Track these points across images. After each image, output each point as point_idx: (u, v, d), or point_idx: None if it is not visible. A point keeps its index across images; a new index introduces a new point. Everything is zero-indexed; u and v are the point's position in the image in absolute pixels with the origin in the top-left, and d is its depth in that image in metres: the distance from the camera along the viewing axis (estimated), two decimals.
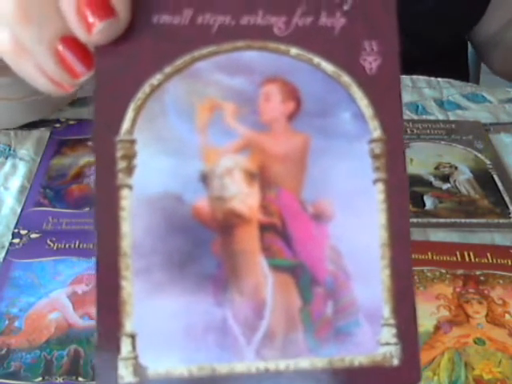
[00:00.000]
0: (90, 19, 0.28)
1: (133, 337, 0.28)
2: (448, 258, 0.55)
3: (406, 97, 0.77)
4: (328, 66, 0.30)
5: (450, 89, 0.79)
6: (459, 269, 0.54)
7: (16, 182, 0.63)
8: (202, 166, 0.30)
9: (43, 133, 0.70)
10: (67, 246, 0.55)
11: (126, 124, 0.29)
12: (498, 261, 0.55)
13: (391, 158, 0.30)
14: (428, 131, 0.71)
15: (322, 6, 0.31)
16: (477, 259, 0.55)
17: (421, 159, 0.67)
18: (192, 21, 0.30)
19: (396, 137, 0.30)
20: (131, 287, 0.29)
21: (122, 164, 0.29)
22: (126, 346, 0.28)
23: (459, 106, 0.76)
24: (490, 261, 0.55)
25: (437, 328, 0.49)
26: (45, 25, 0.29)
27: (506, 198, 0.62)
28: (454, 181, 0.65)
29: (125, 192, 0.29)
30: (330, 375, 0.29)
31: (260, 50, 0.30)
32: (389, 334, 0.30)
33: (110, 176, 0.29)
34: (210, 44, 0.30)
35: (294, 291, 0.30)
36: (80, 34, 0.28)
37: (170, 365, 0.28)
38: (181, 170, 0.29)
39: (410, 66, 0.77)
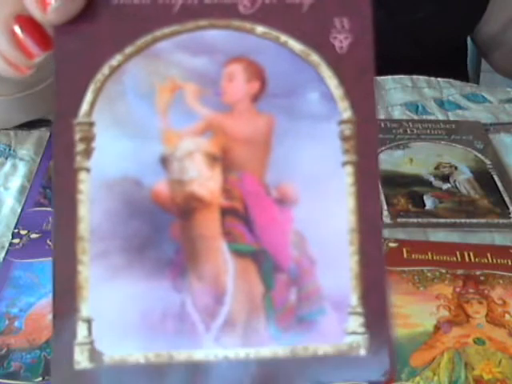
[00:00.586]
0: None
1: (89, 322, 0.28)
2: (448, 258, 0.55)
3: (406, 97, 0.76)
4: (296, 45, 0.30)
5: (450, 89, 0.78)
6: (459, 269, 0.53)
7: (16, 181, 0.63)
8: (161, 148, 0.29)
9: (43, 133, 0.70)
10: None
11: (84, 106, 0.29)
12: (498, 261, 0.55)
13: (362, 140, 0.29)
14: (428, 131, 0.70)
15: None
16: (477, 259, 0.55)
17: (421, 159, 0.67)
18: (154, 0, 0.29)
19: (368, 118, 0.29)
20: (88, 271, 0.28)
21: (80, 146, 0.28)
22: (81, 331, 0.28)
23: (459, 106, 0.75)
24: (490, 261, 0.55)
25: (437, 328, 0.48)
26: (0, 5, 0.29)
27: (506, 198, 0.61)
28: (454, 181, 0.64)
29: (82, 175, 0.28)
30: (293, 364, 0.28)
31: (224, 28, 0.29)
32: (356, 322, 0.28)
33: (68, 159, 0.28)
34: (172, 23, 0.29)
35: (256, 277, 0.29)
36: (35, 12, 0.28)
37: (126, 351, 0.28)
38: (140, 152, 0.29)
39: (410, 66, 0.77)
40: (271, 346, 0.28)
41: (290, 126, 0.29)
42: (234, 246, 0.29)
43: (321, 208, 0.29)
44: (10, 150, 0.67)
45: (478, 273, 0.53)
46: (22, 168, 0.64)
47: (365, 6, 0.30)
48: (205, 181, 0.29)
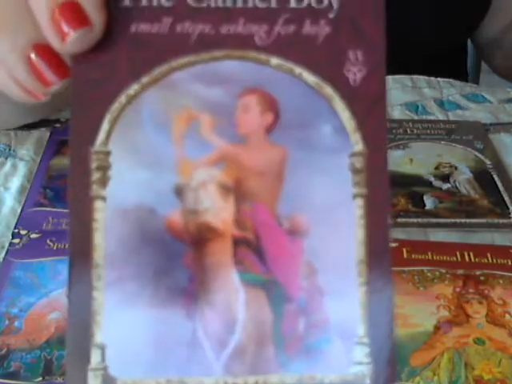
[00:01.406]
0: (65, 28, 0.28)
1: (103, 348, 0.28)
2: (448, 258, 0.55)
3: (406, 97, 0.76)
4: (310, 77, 0.30)
5: (450, 89, 0.78)
6: (459, 269, 0.54)
7: (16, 181, 0.63)
8: (176, 178, 0.29)
9: (43, 133, 0.70)
10: (67, 246, 0.55)
11: (101, 135, 0.29)
12: (498, 261, 0.55)
13: (373, 172, 0.30)
14: (428, 131, 0.71)
15: (306, 13, 0.30)
16: (477, 259, 0.55)
17: (421, 159, 0.67)
18: (171, 29, 0.29)
19: (379, 151, 0.30)
20: (103, 298, 0.29)
21: (96, 175, 0.29)
22: (95, 357, 0.28)
23: (459, 106, 0.76)
24: (490, 261, 0.55)
25: (437, 328, 0.49)
26: (18, 32, 0.29)
27: (506, 198, 0.62)
28: (454, 181, 0.64)
29: (98, 203, 0.29)
30: None
31: (239, 59, 0.30)
32: (362, 352, 0.29)
33: (84, 187, 0.29)
34: (188, 53, 0.29)
35: (266, 307, 0.29)
36: (54, 42, 0.28)
37: (138, 376, 0.28)
38: (155, 182, 0.29)
39: (411, 66, 0.77)
40: (279, 374, 0.29)
41: (303, 158, 0.30)
42: (245, 276, 0.29)
43: (331, 239, 0.30)
44: (10, 149, 0.67)
45: (477, 273, 0.54)
46: (22, 168, 0.64)
47: (379, 39, 0.30)
48: (218, 211, 0.29)
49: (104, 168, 0.29)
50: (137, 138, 0.29)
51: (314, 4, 0.30)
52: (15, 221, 0.58)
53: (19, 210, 0.59)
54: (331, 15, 0.30)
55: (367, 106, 0.30)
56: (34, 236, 0.56)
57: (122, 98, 0.29)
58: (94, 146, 0.29)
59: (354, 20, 0.30)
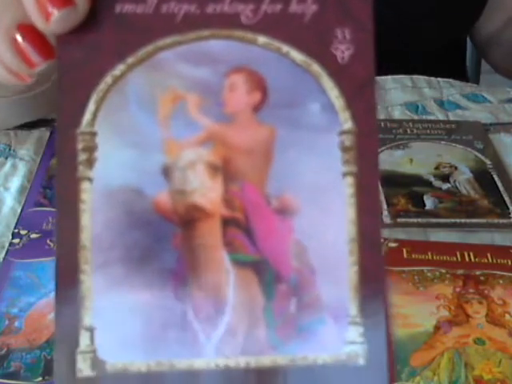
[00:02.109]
0: (49, 8, 0.27)
1: (91, 330, 0.28)
2: (448, 258, 0.55)
3: (406, 97, 0.76)
4: (297, 55, 0.30)
5: (450, 89, 0.78)
6: (459, 269, 0.54)
7: (16, 181, 0.63)
8: (163, 158, 0.29)
9: (43, 133, 0.70)
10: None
11: (87, 116, 0.29)
12: (498, 261, 0.55)
13: (362, 151, 0.29)
14: (428, 131, 0.71)
15: None
16: (477, 259, 0.55)
17: (421, 159, 0.67)
18: (156, 9, 0.29)
19: (368, 129, 0.29)
20: (90, 281, 0.28)
21: (82, 156, 0.29)
22: (84, 340, 0.28)
23: (459, 106, 0.76)
24: (490, 261, 0.55)
25: (437, 328, 0.49)
26: (2, 13, 0.29)
27: (506, 198, 0.62)
28: (454, 181, 0.64)
29: (85, 184, 0.28)
30: (293, 373, 0.28)
31: (226, 39, 0.29)
32: (355, 332, 0.29)
33: (71, 168, 0.28)
34: (174, 33, 0.29)
35: (257, 287, 0.29)
36: (38, 22, 0.28)
37: (128, 359, 0.28)
38: (142, 163, 0.29)
39: (409, 65, 0.77)
40: (271, 355, 0.28)
41: (291, 137, 0.29)
42: (234, 256, 0.29)
43: (321, 218, 0.29)
44: (10, 149, 0.67)
45: (477, 273, 0.53)
46: (22, 168, 0.65)
47: (366, 17, 0.30)
48: (206, 191, 0.29)
49: (90, 149, 0.29)
50: (123, 119, 0.29)
51: None
52: (15, 221, 0.58)
53: (19, 210, 0.59)
54: None
55: (356, 85, 0.29)
56: (33, 236, 0.56)
57: (108, 79, 0.29)
58: (80, 127, 0.29)
59: None
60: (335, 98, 0.30)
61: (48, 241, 0.56)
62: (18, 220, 0.58)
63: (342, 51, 0.30)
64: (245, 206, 0.29)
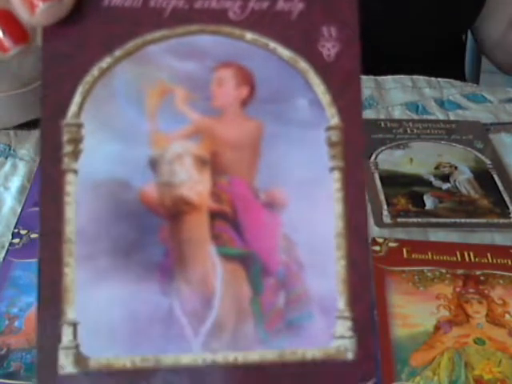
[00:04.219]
0: (34, 0, 0.27)
1: (74, 325, 0.28)
2: (448, 258, 0.55)
3: (406, 97, 0.76)
4: (284, 52, 0.30)
5: (451, 89, 0.78)
6: (459, 269, 0.54)
7: (16, 181, 0.63)
8: (150, 151, 0.29)
9: None
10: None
11: (73, 107, 0.29)
12: (498, 261, 0.55)
13: (349, 146, 0.29)
14: (428, 131, 0.70)
15: None
16: (477, 259, 0.55)
17: (421, 159, 0.67)
18: (144, 4, 0.29)
19: (354, 124, 0.30)
20: (74, 274, 0.28)
21: (67, 148, 0.28)
22: (67, 335, 0.28)
23: (459, 106, 0.75)
24: (490, 261, 0.55)
25: (437, 328, 0.48)
26: None
27: (506, 198, 0.61)
28: (454, 181, 0.64)
29: (70, 177, 0.28)
30: (281, 368, 0.28)
31: (214, 34, 0.29)
32: (344, 326, 0.28)
33: (56, 160, 0.28)
34: (163, 28, 0.29)
35: (245, 281, 0.29)
36: (23, 14, 0.28)
37: (112, 355, 0.28)
38: (128, 155, 0.29)
39: (408, 65, 0.77)
40: (260, 350, 0.28)
41: (279, 132, 0.29)
42: (222, 250, 0.29)
43: (309, 212, 0.29)
44: (10, 149, 0.67)
45: (478, 273, 0.53)
46: (22, 168, 0.65)
47: (352, 15, 0.30)
48: (194, 184, 0.29)
49: (76, 141, 0.28)
50: (109, 111, 0.29)
51: None
52: (15, 221, 0.58)
53: (19, 210, 0.59)
54: None
55: (342, 81, 0.30)
56: (34, 236, 0.56)
57: (95, 71, 0.29)
58: (65, 118, 0.28)
59: None
60: (322, 94, 0.30)
61: None
62: (17, 220, 0.58)
63: (328, 48, 0.30)
64: (233, 200, 0.29)
